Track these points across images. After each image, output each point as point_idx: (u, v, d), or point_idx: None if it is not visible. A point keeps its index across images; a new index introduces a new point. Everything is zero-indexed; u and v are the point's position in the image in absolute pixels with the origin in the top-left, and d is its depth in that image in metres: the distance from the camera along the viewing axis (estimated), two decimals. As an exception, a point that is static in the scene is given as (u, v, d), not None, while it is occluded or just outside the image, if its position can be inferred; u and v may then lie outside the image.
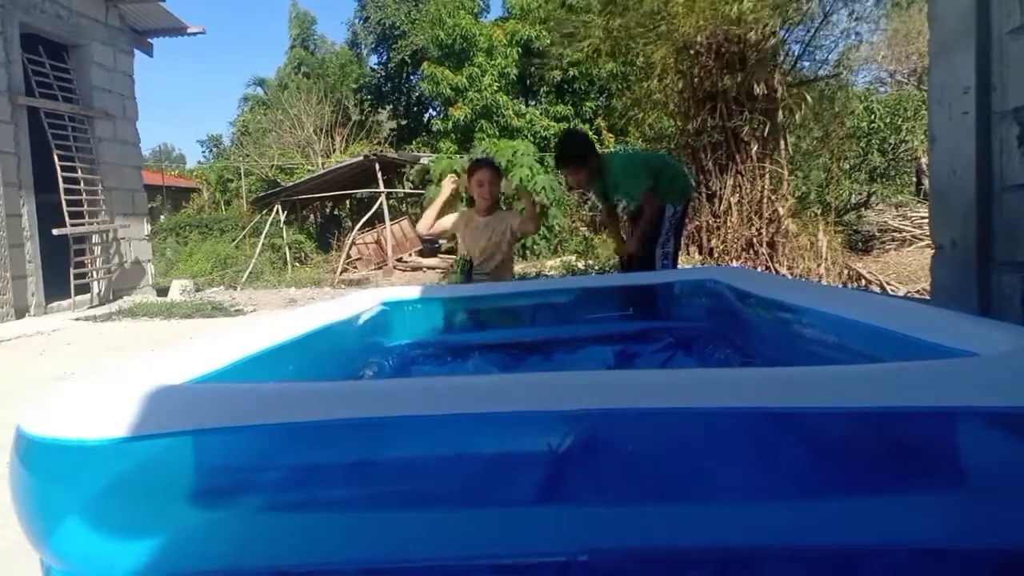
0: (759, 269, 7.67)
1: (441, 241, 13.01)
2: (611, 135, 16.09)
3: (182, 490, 0.93)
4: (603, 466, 0.88)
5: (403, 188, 16.72)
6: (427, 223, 3.46)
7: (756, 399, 0.90)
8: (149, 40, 10.00)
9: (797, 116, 8.67)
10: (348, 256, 13.82)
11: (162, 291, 9.56)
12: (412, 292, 2.61)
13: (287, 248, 14.57)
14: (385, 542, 0.91)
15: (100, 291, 8.43)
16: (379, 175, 13.79)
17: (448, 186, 3.49)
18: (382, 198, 13.66)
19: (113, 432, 0.89)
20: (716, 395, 0.92)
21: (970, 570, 0.86)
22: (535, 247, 11.94)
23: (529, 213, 3.44)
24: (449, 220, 3.47)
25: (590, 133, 16.55)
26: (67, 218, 7.74)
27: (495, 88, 16.24)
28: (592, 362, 2.39)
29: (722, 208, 8.34)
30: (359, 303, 2.28)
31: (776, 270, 7.87)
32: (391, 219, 13.90)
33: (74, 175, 7.94)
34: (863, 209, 12.12)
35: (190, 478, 0.95)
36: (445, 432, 0.92)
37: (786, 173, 8.44)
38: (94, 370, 3.64)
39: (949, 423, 0.89)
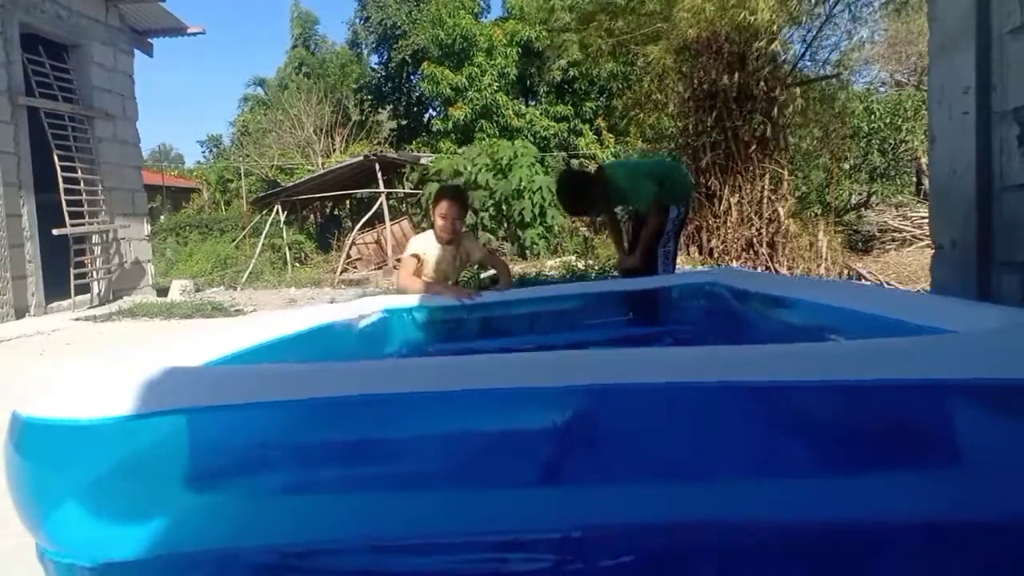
0: (759, 269, 7.67)
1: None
2: (611, 135, 16.09)
3: (177, 469, 0.92)
4: (598, 442, 0.89)
5: (403, 188, 16.72)
6: (416, 285, 3.12)
7: (742, 373, 0.92)
8: (149, 40, 10.00)
9: (797, 116, 8.66)
10: (348, 256, 13.81)
11: (162, 291, 9.56)
12: (410, 300, 2.61)
13: (287, 248, 14.56)
14: (386, 519, 0.91)
15: (100, 291, 8.43)
16: (379, 175, 13.78)
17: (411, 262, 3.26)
18: (382, 198, 13.65)
19: (107, 412, 0.89)
20: (702, 370, 0.93)
21: (953, 542, 0.87)
22: (534, 247, 11.93)
23: (504, 274, 3.34)
24: (416, 254, 3.22)
25: (585, 139, 16.58)
26: (67, 218, 7.74)
27: (495, 88, 16.25)
28: None
29: (722, 208, 8.33)
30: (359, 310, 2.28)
31: (776, 270, 7.87)
32: (391, 219, 13.89)
33: (74, 175, 7.94)
34: (863, 209, 12.12)
35: (184, 457, 0.95)
36: (446, 409, 0.93)
37: (786, 173, 8.45)
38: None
39: (923, 394, 0.92)
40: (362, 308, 2.31)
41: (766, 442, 0.93)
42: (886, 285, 7.78)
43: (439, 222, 3.20)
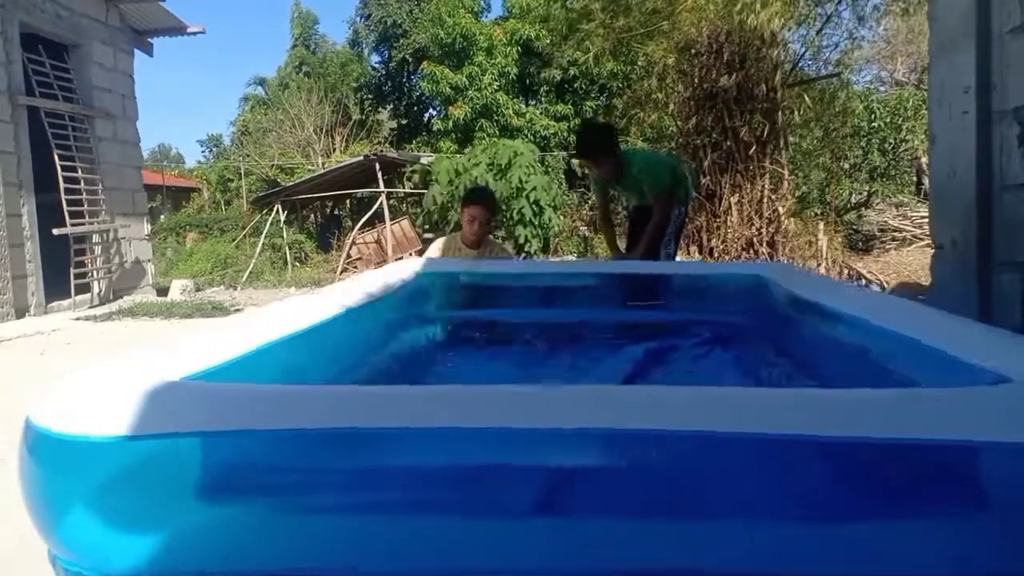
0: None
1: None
2: (611, 135, 16.05)
3: (185, 488, 0.93)
4: (605, 486, 0.87)
5: (403, 188, 16.72)
6: None
7: (767, 424, 0.85)
8: (149, 40, 10.00)
9: (797, 116, 8.67)
10: (348, 256, 13.81)
11: (162, 291, 9.56)
12: (450, 265, 2.55)
13: (287, 248, 14.56)
14: (383, 550, 0.90)
15: (100, 291, 8.43)
16: (379, 175, 13.78)
17: None
18: (382, 198, 13.65)
19: (119, 430, 0.90)
20: (723, 418, 0.88)
21: None
22: (527, 245, 11.91)
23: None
24: (437, 251, 3.32)
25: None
26: (67, 218, 7.74)
27: (495, 87, 16.24)
28: (627, 353, 2.32)
29: (722, 208, 8.33)
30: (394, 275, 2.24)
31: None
32: (391, 219, 13.89)
33: (74, 175, 7.94)
34: (863, 209, 12.11)
35: (192, 477, 0.95)
36: (441, 445, 0.92)
37: (786, 173, 8.44)
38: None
39: (970, 457, 0.83)
40: (389, 276, 2.26)
41: (805, 498, 0.87)
42: (886, 285, 7.78)
43: (468, 224, 3.20)
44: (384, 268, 2.36)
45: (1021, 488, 0.82)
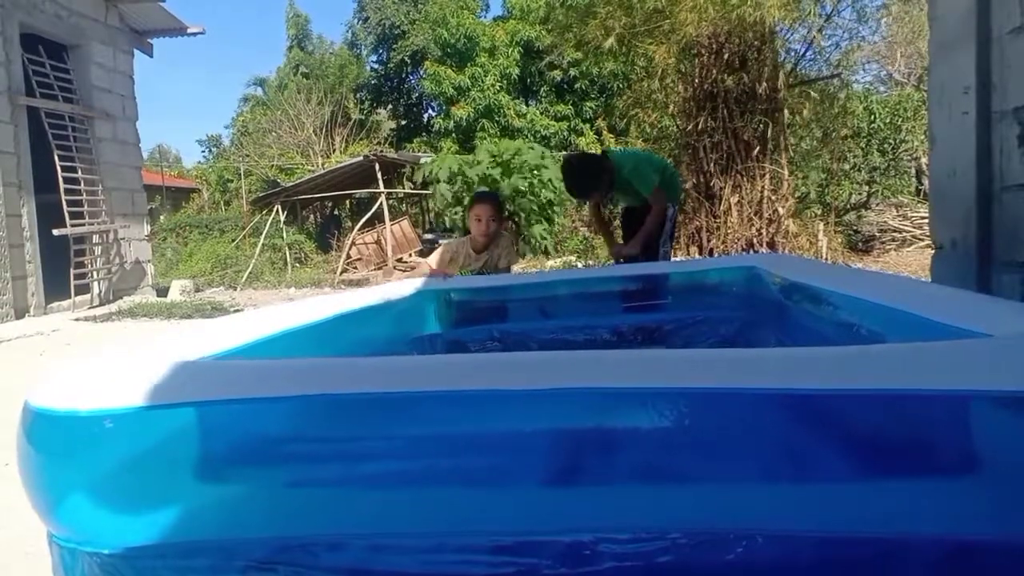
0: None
1: (443, 240, 13.09)
2: (611, 135, 16.09)
3: (181, 461, 0.93)
4: (609, 446, 0.88)
5: (403, 188, 16.73)
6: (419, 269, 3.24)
7: (764, 380, 0.88)
8: (149, 40, 10.00)
9: (798, 116, 8.65)
10: (348, 256, 13.80)
11: (162, 291, 9.56)
12: (444, 283, 2.58)
13: (287, 248, 14.55)
14: (396, 516, 0.91)
15: (100, 291, 8.43)
16: (379, 175, 13.78)
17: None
18: (382, 198, 13.65)
19: (113, 404, 0.90)
20: (721, 375, 0.90)
21: (984, 562, 0.84)
22: (543, 242, 11.89)
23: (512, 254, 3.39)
24: (444, 256, 3.29)
25: (585, 138, 16.56)
26: (67, 218, 7.74)
27: (497, 88, 16.26)
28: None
29: (722, 208, 8.33)
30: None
31: (776, 270, 7.84)
32: (391, 219, 13.89)
33: (74, 175, 7.94)
34: (863, 209, 12.10)
35: (188, 450, 0.95)
36: (456, 410, 0.92)
37: (786, 173, 8.44)
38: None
39: (961, 406, 0.87)
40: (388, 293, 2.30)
41: (784, 451, 0.90)
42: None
43: (475, 224, 3.18)
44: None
45: (1002, 431, 0.87)
